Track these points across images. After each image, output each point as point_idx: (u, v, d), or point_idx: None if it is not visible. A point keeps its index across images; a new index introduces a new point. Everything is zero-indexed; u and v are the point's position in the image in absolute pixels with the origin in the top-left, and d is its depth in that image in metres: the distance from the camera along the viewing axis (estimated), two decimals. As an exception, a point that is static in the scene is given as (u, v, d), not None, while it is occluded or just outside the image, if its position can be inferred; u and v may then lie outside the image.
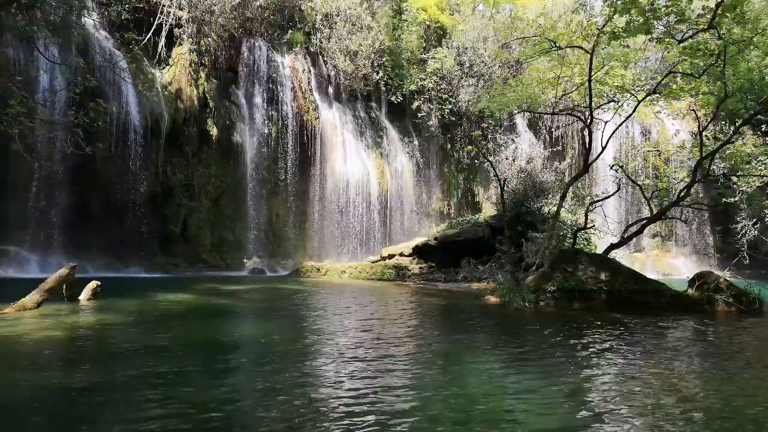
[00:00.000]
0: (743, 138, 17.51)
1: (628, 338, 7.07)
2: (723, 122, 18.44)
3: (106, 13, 18.79)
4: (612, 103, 14.06)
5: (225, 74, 21.65)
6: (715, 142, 14.89)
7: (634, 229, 13.31)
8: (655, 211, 13.26)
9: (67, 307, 8.65)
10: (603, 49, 12.05)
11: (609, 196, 14.52)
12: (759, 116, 13.92)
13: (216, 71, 21.25)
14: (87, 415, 3.69)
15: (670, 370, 5.32)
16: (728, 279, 11.27)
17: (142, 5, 19.30)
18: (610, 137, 13.31)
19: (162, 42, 19.64)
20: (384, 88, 25.30)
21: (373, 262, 18.95)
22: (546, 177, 18.67)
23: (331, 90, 24.46)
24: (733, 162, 17.16)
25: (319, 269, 18.57)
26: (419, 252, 18.72)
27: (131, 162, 17.99)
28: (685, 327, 8.40)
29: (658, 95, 12.87)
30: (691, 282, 10.88)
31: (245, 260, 20.78)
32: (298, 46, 23.49)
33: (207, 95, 20.61)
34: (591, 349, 6.34)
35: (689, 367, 5.58)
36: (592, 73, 11.92)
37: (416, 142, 26.22)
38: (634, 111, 13.51)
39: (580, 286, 10.31)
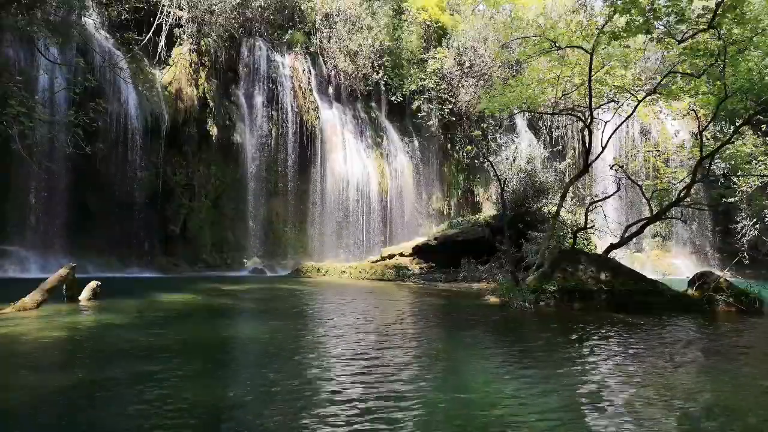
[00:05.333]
0: (743, 138, 17.51)
1: (628, 338, 7.07)
2: (723, 122, 18.45)
3: (106, 13, 18.80)
4: (612, 103, 14.06)
5: (225, 74, 21.66)
6: (715, 142, 14.90)
7: (634, 229, 13.30)
8: (655, 211, 13.26)
9: (67, 307, 8.65)
10: (603, 49, 12.04)
11: (609, 196, 14.51)
12: (759, 116, 13.94)
13: (216, 71, 21.26)
14: (87, 415, 3.69)
15: (670, 369, 5.31)
16: (728, 279, 11.26)
17: (142, 5, 19.32)
18: (610, 137, 13.31)
19: (162, 42, 19.65)
20: (384, 88, 25.32)
21: (373, 262, 18.95)
22: (546, 177, 18.69)
23: (331, 90, 24.46)
24: (733, 162, 17.16)
25: (319, 269, 18.57)
26: (419, 252, 18.72)
27: (131, 162, 18.00)
28: (685, 327, 8.39)
29: (658, 95, 12.87)
30: (691, 282, 10.87)
31: (245, 260, 20.79)
32: (298, 46, 23.50)
33: (207, 95, 20.62)
34: (592, 350, 6.33)
35: (689, 366, 5.58)
36: (592, 73, 11.91)
37: (416, 142, 26.23)
38: (634, 111, 13.51)
39: (580, 286, 10.30)
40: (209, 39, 20.66)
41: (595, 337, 7.14)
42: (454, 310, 10.17)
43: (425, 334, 7.53)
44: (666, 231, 26.87)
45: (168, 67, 19.93)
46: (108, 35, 18.70)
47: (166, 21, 19.54)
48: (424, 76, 25.61)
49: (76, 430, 3.46)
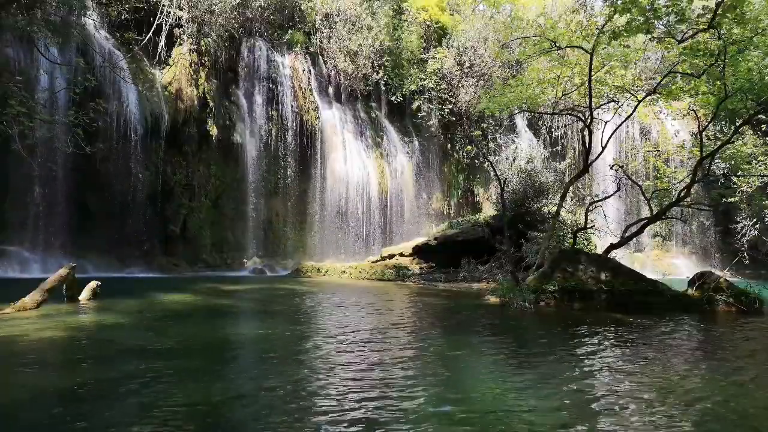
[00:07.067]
0: (743, 138, 17.54)
1: (628, 338, 7.07)
2: (723, 122, 18.46)
3: (106, 13, 18.81)
4: (612, 103, 14.06)
5: (225, 74, 21.66)
6: (715, 142, 14.91)
7: (634, 229, 13.31)
8: (655, 211, 13.26)
9: (67, 307, 8.65)
10: (603, 49, 12.05)
11: (609, 196, 14.51)
12: (759, 116, 13.94)
13: (216, 71, 21.26)
14: (86, 415, 3.69)
15: (670, 369, 5.31)
16: (728, 279, 11.26)
17: (142, 5, 19.32)
18: (610, 137, 13.31)
19: (162, 42, 19.65)
20: (384, 88, 25.31)
21: (373, 262, 18.94)
22: (546, 177, 18.68)
23: (331, 90, 24.46)
24: (733, 162, 17.17)
25: (319, 269, 18.57)
26: (419, 252, 18.72)
27: (131, 162, 18.00)
28: (685, 327, 8.39)
29: (658, 95, 12.88)
30: (691, 282, 10.86)
31: (245, 260, 20.79)
32: (298, 46, 23.50)
33: (207, 95, 20.62)
34: (592, 350, 6.34)
35: (689, 366, 5.58)
36: (592, 73, 11.92)
37: (416, 142, 26.23)
38: (634, 111, 13.51)
39: (580, 286, 10.30)
40: (209, 39, 20.66)
41: (596, 338, 7.14)
42: (454, 310, 10.16)
43: (425, 334, 7.52)
44: (666, 231, 26.88)
45: (168, 67, 19.93)
46: (108, 35, 18.69)
47: (166, 21, 19.54)
48: (424, 76, 25.61)
49: (75, 430, 3.46)
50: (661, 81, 12.53)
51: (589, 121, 12.84)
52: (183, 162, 19.90)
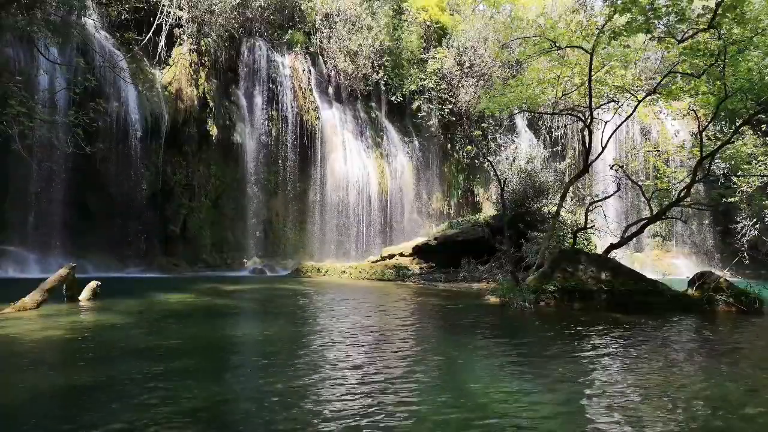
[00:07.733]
0: (743, 138, 17.53)
1: (628, 338, 7.07)
2: (723, 122, 18.47)
3: (106, 13, 18.82)
4: (612, 103, 14.06)
5: (225, 74, 21.67)
6: (715, 142, 14.91)
7: (634, 229, 13.31)
8: (655, 211, 13.26)
9: (67, 307, 8.65)
10: (603, 49, 12.05)
11: (609, 196, 14.52)
12: (759, 116, 13.94)
13: (216, 71, 21.27)
14: (86, 416, 3.68)
15: (670, 370, 5.32)
16: (728, 279, 11.25)
17: (142, 5, 19.33)
18: (610, 137, 13.31)
19: (162, 42, 19.65)
20: (384, 88, 25.32)
21: (373, 262, 18.94)
22: (546, 177, 18.68)
23: (331, 90, 24.47)
24: (733, 162, 17.18)
25: (319, 269, 18.56)
26: (419, 252, 18.72)
27: (131, 162, 18.00)
28: (685, 327, 8.39)
29: (658, 95, 12.88)
30: (691, 282, 10.86)
31: (245, 260, 20.79)
32: (298, 46, 23.50)
33: (207, 95, 20.62)
34: (592, 350, 6.33)
35: (690, 366, 5.58)
36: (592, 73, 11.92)
37: (416, 142, 26.23)
38: (634, 111, 13.51)
39: (580, 286, 10.30)
40: (209, 39, 20.66)
41: (595, 338, 7.13)
42: (454, 310, 10.16)
43: (425, 334, 7.53)
44: (666, 231, 26.87)
45: (168, 67, 19.93)
46: (108, 35, 18.70)
47: (166, 21, 19.54)
48: (424, 76, 25.61)
49: (75, 430, 3.46)
50: (661, 81, 12.53)
51: (589, 121, 12.84)
52: (183, 162, 19.90)
